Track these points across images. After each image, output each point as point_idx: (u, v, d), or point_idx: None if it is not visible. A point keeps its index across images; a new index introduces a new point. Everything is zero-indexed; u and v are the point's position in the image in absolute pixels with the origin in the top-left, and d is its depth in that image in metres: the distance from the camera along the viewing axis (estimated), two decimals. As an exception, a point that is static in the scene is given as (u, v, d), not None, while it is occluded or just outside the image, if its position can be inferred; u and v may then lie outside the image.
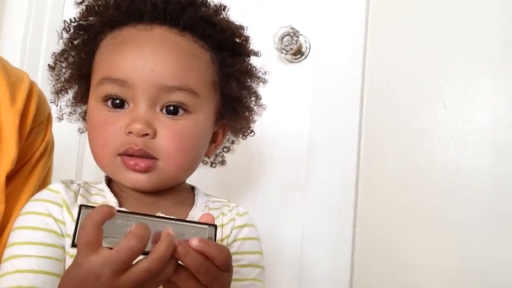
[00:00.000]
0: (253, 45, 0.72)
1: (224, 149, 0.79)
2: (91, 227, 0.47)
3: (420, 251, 0.95)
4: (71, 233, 0.51)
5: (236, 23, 0.69)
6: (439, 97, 0.98)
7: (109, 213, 0.48)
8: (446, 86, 0.98)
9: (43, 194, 0.64)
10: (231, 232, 0.69)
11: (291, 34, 1.09)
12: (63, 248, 0.60)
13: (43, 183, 0.74)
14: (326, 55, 1.11)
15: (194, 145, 0.64)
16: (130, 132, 0.60)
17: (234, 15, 0.71)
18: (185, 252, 0.48)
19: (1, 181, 0.65)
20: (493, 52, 0.96)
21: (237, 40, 0.69)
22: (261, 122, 1.12)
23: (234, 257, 0.66)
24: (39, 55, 1.28)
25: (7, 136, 0.66)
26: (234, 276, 0.64)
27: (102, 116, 0.62)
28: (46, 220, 0.61)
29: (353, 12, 1.09)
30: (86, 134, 1.33)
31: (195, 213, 0.67)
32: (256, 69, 0.73)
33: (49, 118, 0.76)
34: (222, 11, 0.68)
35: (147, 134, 0.60)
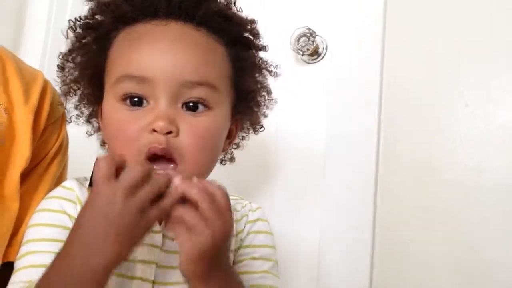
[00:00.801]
0: (263, 41, 0.72)
1: (234, 146, 0.78)
2: (104, 163, 0.49)
3: (441, 252, 0.93)
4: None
5: (247, 17, 0.69)
6: (460, 95, 0.96)
7: (121, 157, 0.52)
8: (467, 84, 0.96)
9: (57, 191, 0.64)
10: (244, 227, 0.70)
11: (308, 34, 1.08)
12: None
13: (58, 181, 0.75)
14: (343, 56, 1.09)
15: (215, 142, 0.64)
16: (153, 130, 0.58)
17: (251, 15, 0.70)
18: (191, 184, 0.51)
19: (16, 180, 0.66)
20: (515, 48, 0.93)
21: (250, 34, 0.69)
22: (278, 123, 1.12)
23: (246, 250, 0.69)
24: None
25: (21, 134, 0.66)
26: (245, 269, 0.67)
27: (122, 116, 0.61)
28: (60, 217, 0.61)
29: (370, 12, 1.07)
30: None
31: None
32: (267, 63, 0.72)
33: (63, 116, 0.76)
34: (233, 5, 0.68)
35: (170, 132, 0.59)
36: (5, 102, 0.66)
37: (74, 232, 0.50)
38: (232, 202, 0.70)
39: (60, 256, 0.50)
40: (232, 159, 0.79)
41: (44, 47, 1.28)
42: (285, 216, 1.08)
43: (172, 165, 0.60)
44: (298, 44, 1.09)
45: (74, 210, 0.62)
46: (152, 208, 0.50)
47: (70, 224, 0.60)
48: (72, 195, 0.63)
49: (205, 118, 0.61)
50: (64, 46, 1.31)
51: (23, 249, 0.60)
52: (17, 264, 0.59)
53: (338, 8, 1.11)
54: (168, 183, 0.51)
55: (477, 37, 0.96)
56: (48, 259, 0.56)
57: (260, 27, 0.71)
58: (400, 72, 1.03)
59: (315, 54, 1.12)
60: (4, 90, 0.67)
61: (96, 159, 0.51)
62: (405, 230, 0.97)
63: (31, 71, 0.73)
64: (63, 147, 0.76)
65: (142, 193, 0.49)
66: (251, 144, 0.80)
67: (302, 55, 1.11)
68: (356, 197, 1.02)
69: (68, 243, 0.50)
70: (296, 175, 1.10)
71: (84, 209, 0.50)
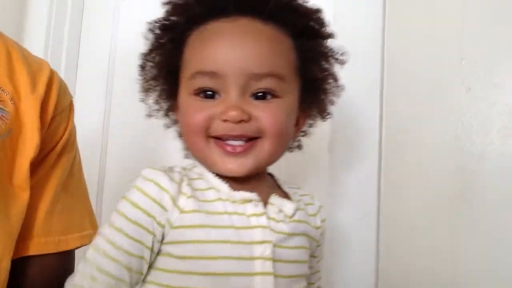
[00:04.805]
0: (331, 28, 0.73)
1: (301, 133, 0.79)
2: None
3: (446, 239, 0.93)
4: None
5: (313, 7, 0.70)
6: (462, 80, 0.96)
7: None
8: (469, 69, 0.96)
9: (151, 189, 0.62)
10: (321, 225, 0.75)
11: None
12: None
13: (71, 172, 0.75)
14: (344, 44, 1.09)
15: (286, 126, 0.66)
16: (225, 120, 0.62)
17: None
18: None
19: (25, 168, 0.65)
20: (517, 32, 0.93)
21: (315, 24, 0.70)
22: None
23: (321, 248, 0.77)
24: (62, 50, 1.33)
25: (29, 123, 0.66)
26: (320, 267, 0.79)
27: (195, 106, 0.64)
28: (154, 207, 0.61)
29: (371, -1, 1.08)
30: (109, 129, 1.34)
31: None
32: (333, 51, 0.73)
33: (70, 106, 0.76)
34: None
35: (242, 120, 0.62)
36: (11, 92, 0.66)
37: None
38: (300, 192, 0.75)
39: None
40: (299, 147, 0.80)
41: (46, 39, 1.30)
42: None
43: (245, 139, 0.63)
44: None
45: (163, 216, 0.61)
46: None
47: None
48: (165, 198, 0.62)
49: (275, 105, 0.64)
50: (66, 37, 1.35)
51: (106, 232, 0.60)
52: (97, 243, 0.60)
53: (338, -3, 1.11)
54: None
55: (479, 21, 0.96)
56: (122, 257, 0.58)
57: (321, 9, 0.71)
58: (401, 59, 1.03)
59: (317, 43, 1.12)
60: (10, 80, 0.67)
61: None
62: (409, 217, 0.98)
63: (37, 61, 0.73)
64: (72, 138, 0.75)
65: None
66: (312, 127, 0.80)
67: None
68: (360, 186, 1.03)
69: None
70: (301, 166, 1.10)
71: None
